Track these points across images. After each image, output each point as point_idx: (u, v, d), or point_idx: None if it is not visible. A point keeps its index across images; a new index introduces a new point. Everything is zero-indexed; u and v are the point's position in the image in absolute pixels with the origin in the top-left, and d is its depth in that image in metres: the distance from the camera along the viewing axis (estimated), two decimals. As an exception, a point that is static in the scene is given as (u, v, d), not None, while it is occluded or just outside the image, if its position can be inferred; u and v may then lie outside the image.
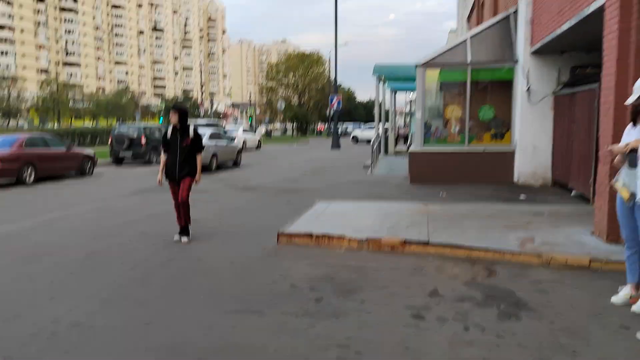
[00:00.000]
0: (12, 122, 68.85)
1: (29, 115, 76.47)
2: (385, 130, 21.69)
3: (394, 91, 24.76)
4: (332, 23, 29.85)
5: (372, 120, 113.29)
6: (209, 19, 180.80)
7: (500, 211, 8.02)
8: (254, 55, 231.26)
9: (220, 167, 18.49)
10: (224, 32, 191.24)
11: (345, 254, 6.02)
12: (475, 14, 22.23)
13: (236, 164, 19.87)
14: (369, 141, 38.40)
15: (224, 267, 5.60)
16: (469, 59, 11.80)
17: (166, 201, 10.30)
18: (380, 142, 18.71)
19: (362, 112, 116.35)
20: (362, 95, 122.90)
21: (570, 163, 10.02)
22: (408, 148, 14.53)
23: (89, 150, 17.36)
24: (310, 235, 6.40)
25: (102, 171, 18.26)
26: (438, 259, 5.67)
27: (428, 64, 12.04)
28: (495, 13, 16.34)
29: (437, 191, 10.87)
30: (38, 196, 11.94)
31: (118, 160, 21.04)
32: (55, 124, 69.74)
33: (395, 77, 19.00)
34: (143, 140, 20.68)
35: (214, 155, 17.80)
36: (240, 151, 20.95)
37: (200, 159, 7.03)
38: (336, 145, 31.06)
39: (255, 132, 46.47)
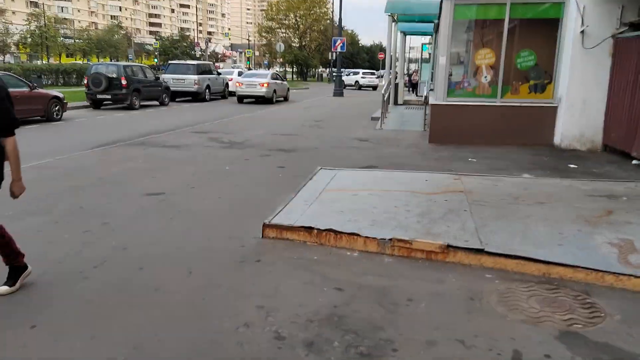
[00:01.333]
0: (-1, 58, 65.52)
1: (18, 51, 72.97)
2: (396, 78, 19.44)
3: (404, 34, 22.22)
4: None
5: (374, 66, 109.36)
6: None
7: (562, 189, 6.08)
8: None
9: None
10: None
11: (360, 260, 4.13)
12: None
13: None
14: (372, 87, 35.88)
15: (171, 287, 3.70)
16: (509, -9, 9.52)
17: (133, 158, 8.52)
18: (390, 92, 16.51)
19: (365, 57, 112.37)
20: (365, 39, 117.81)
21: (636, 125, 8.01)
22: (425, 100, 12.43)
23: (56, 92, 15.16)
24: (309, 230, 4.48)
25: (75, 115, 16.15)
26: (500, 278, 3.79)
27: (458, -3, 9.76)
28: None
29: (464, 155, 8.90)
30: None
31: (96, 104, 18.85)
32: (44, 61, 66.39)
33: (410, 17, 16.54)
34: (124, 82, 18.42)
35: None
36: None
37: (12, 147, 3.44)
38: (339, 92, 28.72)
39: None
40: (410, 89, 31.16)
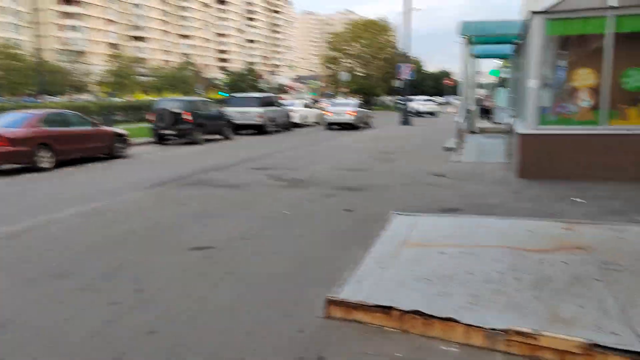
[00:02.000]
0: (80, 97, 69.81)
1: (99, 90, 77.72)
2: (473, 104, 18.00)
3: (476, 57, 20.85)
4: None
5: (440, 93, 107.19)
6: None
7: None
8: (319, 26, 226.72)
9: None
10: (288, 3, 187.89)
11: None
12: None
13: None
14: (430, 113, 34.26)
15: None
16: (612, 1, 8.12)
17: (186, 201, 7.59)
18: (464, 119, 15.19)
19: (430, 84, 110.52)
20: (428, 66, 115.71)
21: None
22: (508, 127, 11.06)
23: (120, 129, 15.09)
24: (387, 311, 3.38)
25: (139, 152, 16.02)
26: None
27: (550, 12, 8.46)
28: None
29: (565, 193, 7.48)
30: (39, 187, 9.63)
31: (161, 139, 18.78)
32: (119, 98, 70.06)
33: (485, 38, 15.26)
34: (188, 117, 18.26)
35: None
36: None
37: None
38: (405, 120, 27.53)
39: (317, 106, 43.68)
40: (483, 115, 29.46)
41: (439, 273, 4.03)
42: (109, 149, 13.92)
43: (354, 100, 29.10)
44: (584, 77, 8.54)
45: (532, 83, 8.72)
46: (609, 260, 4.23)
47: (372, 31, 61.90)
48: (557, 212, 6.42)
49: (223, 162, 12.91)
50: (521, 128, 9.18)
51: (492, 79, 71.28)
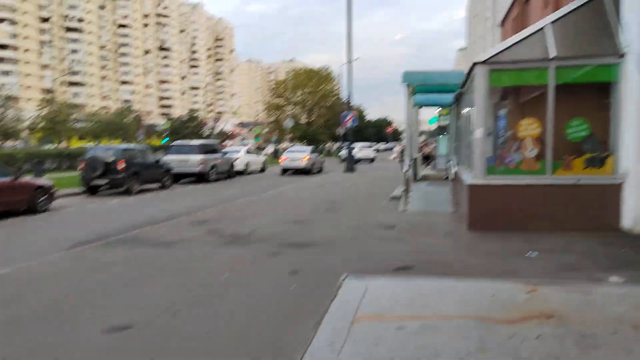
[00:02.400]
0: (10, 144, 66.01)
1: (28, 136, 73.99)
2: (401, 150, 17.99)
3: (418, 107, 21.16)
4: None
5: (382, 140, 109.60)
6: (217, 38, 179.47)
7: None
8: (262, 74, 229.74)
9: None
10: (232, 51, 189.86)
11: None
12: (518, 12, 18.73)
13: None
14: (370, 160, 34.59)
15: None
16: (552, 52, 8.19)
17: (109, 265, 6.11)
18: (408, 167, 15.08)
19: (373, 131, 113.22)
20: (371, 114, 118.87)
21: None
22: (454, 175, 10.92)
23: (44, 180, 13.88)
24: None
25: (65, 204, 14.77)
26: None
27: (492, 62, 8.43)
28: (555, 4, 12.80)
29: (518, 247, 7.19)
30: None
31: (91, 190, 17.53)
32: (54, 145, 66.85)
33: (427, 87, 15.43)
34: (121, 165, 17.21)
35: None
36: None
37: None
38: (350, 167, 27.44)
39: (262, 152, 43.05)
40: (424, 162, 29.92)
41: (401, 356, 3.45)
42: (29, 203, 12.66)
43: (308, 147, 30.95)
44: (529, 127, 8.49)
45: (478, 133, 8.59)
46: (583, 332, 3.80)
47: (315, 79, 62.96)
48: (513, 269, 6.07)
49: (158, 215, 11.99)
50: (468, 178, 8.97)
51: (431, 127, 73.74)
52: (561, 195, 8.28)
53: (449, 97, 19.36)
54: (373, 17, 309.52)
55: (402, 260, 6.71)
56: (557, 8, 12.70)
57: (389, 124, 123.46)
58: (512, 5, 20.18)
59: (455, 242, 7.82)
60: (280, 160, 28.19)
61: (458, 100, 14.91)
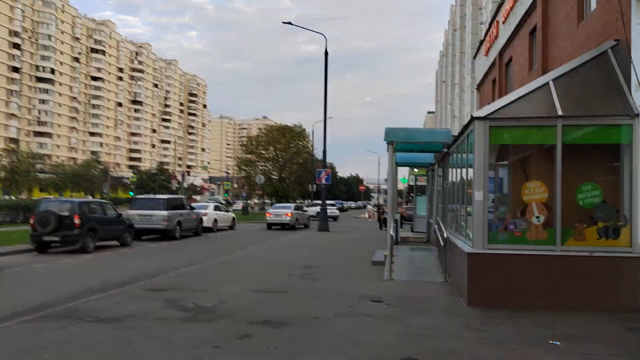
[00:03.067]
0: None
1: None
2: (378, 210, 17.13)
3: (396, 165, 20.48)
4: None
5: (352, 198, 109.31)
6: (190, 94, 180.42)
7: None
8: (234, 130, 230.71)
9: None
10: (204, 106, 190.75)
11: None
12: (498, 76, 18.58)
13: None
14: (333, 218, 33.73)
15: None
16: (559, 110, 7.48)
17: (37, 351, 5.28)
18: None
19: (344, 189, 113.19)
20: (341, 171, 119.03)
21: None
22: (442, 239, 9.90)
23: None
24: None
25: (8, 263, 13.10)
26: None
27: (493, 118, 7.66)
28: (544, 67, 12.42)
29: (534, 331, 6.11)
30: None
31: (42, 247, 15.81)
32: (13, 197, 63.83)
33: (408, 146, 14.68)
34: (77, 220, 15.65)
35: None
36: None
37: None
38: (324, 226, 26.30)
39: (230, 209, 41.74)
40: (381, 225, 29.16)
41: None
42: (-38, 263, 11.03)
43: (292, 204, 33.11)
44: (535, 191, 7.64)
45: (478, 195, 7.67)
46: None
47: (288, 136, 62.66)
48: (540, 364, 4.96)
49: (112, 279, 10.51)
50: (466, 246, 7.97)
51: (401, 187, 73.76)
52: (573, 269, 7.33)
53: (427, 157, 18.78)
54: (344, 79, 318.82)
55: (402, 349, 5.51)
56: (544, 71, 12.35)
57: (360, 182, 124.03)
58: (491, 68, 20.11)
59: (459, 324, 6.68)
60: (267, 215, 30.37)
61: (442, 160, 14.19)
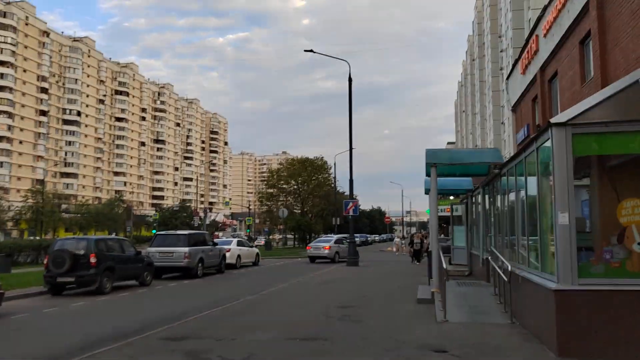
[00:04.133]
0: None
1: (15, 227, 71.10)
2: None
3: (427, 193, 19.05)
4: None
5: (375, 231, 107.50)
6: (212, 131, 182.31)
7: None
8: (254, 166, 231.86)
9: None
10: (225, 143, 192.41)
11: None
12: (540, 93, 17.23)
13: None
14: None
15: None
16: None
17: None
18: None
19: (366, 222, 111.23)
20: (362, 205, 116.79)
21: None
22: (507, 273, 8.37)
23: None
24: None
25: (19, 307, 12.01)
26: None
27: (578, 124, 6.31)
28: (604, 77, 11.09)
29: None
30: None
31: (55, 289, 14.70)
32: (38, 237, 63.72)
33: (452, 169, 13.28)
34: (93, 259, 14.56)
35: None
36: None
37: None
38: (354, 261, 24.75)
39: (253, 244, 40.36)
40: (413, 257, 27.41)
41: None
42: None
43: (332, 237, 33.26)
44: (634, 211, 6.19)
45: (563, 219, 6.26)
46: None
47: (309, 169, 61.72)
48: None
49: (126, 326, 9.27)
50: (549, 282, 6.51)
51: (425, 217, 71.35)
52: (692, 307, 5.81)
53: (464, 183, 17.33)
54: (361, 114, 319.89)
55: None
56: (604, 82, 11.01)
57: (383, 214, 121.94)
58: (530, 86, 18.81)
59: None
60: (307, 248, 32.23)
61: (489, 185, 12.79)
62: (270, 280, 17.90)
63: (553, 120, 6.43)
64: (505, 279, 8.71)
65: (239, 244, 26.65)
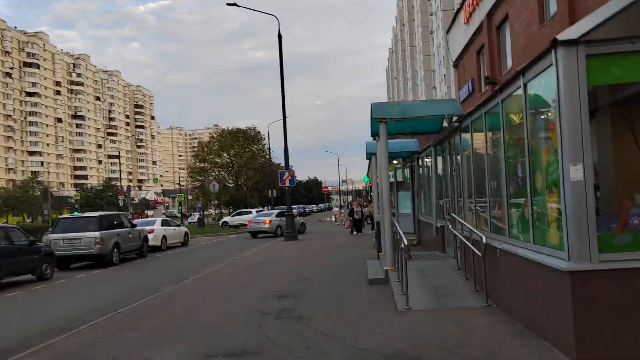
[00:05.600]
0: None
1: None
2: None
3: (370, 157, 17.30)
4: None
5: (312, 201, 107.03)
6: (136, 106, 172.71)
7: None
8: (185, 141, 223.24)
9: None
10: (152, 118, 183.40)
11: None
12: (486, 41, 15.72)
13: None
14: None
15: None
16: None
17: None
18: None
19: (303, 192, 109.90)
20: (299, 175, 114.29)
21: None
22: (467, 241, 6.66)
23: None
24: None
25: None
26: None
27: (593, 41, 4.54)
28: (572, 13, 9.55)
29: None
30: None
31: None
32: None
33: (400, 127, 11.49)
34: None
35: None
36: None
37: None
38: (292, 234, 22.89)
39: (186, 221, 37.90)
40: (353, 228, 25.96)
41: None
42: None
43: (273, 211, 32.12)
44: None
45: (575, 173, 4.53)
46: None
47: (241, 140, 58.88)
48: None
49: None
50: (557, 260, 4.81)
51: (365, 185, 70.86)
52: None
53: (407, 145, 15.73)
54: (294, 84, 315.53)
55: None
56: (572, 19, 9.49)
57: (320, 184, 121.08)
58: (474, 36, 17.32)
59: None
60: (247, 223, 30.79)
61: (444, 142, 11.12)
62: (198, 264, 15.66)
63: (560, 36, 4.61)
64: (479, 253, 7.04)
65: (164, 223, 24.02)
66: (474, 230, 7.69)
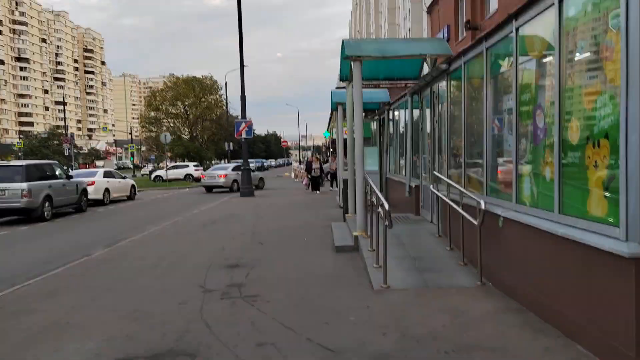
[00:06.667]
0: None
1: None
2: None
3: (337, 107, 15.68)
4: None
5: (271, 155, 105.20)
6: (85, 50, 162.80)
7: None
8: (139, 89, 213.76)
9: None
10: (103, 63, 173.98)
11: None
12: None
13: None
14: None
15: None
16: None
17: None
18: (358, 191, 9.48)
19: (262, 147, 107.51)
20: (257, 129, 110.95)
21: None
22: (481, 210, 5.32)
23: None
24: None
25: None
26: None
27: None
28: None
29: None
30: None
31: None
32: None
33: (373, 71, 9.91)
34: None
35: None
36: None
37: None
38: (248, 190, 21.31)
39: (138, 173, 35.40)
40: (310, 185, 24.43)
41: None
42: None
43: (230, 165, 30.02)
44: None
45: (632, 104, 3.16)
46: None
47: (197, 89, 55.79)
48: None
49: None
50: (609, 241, 3.50)
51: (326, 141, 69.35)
52: None
53: (381, 95, 14.32)
54: (253, 36, 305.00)
55: None
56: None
57: (279, 139, 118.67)
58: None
59: None
60: (201, 177, 28.67)
61: (425, 89, 9.64)
62: (141, 221, 13.95)
63: None
64: (474, 222, 5.72)
65: (107, 175, 21.86)
66: (467, 192, 6.34)
